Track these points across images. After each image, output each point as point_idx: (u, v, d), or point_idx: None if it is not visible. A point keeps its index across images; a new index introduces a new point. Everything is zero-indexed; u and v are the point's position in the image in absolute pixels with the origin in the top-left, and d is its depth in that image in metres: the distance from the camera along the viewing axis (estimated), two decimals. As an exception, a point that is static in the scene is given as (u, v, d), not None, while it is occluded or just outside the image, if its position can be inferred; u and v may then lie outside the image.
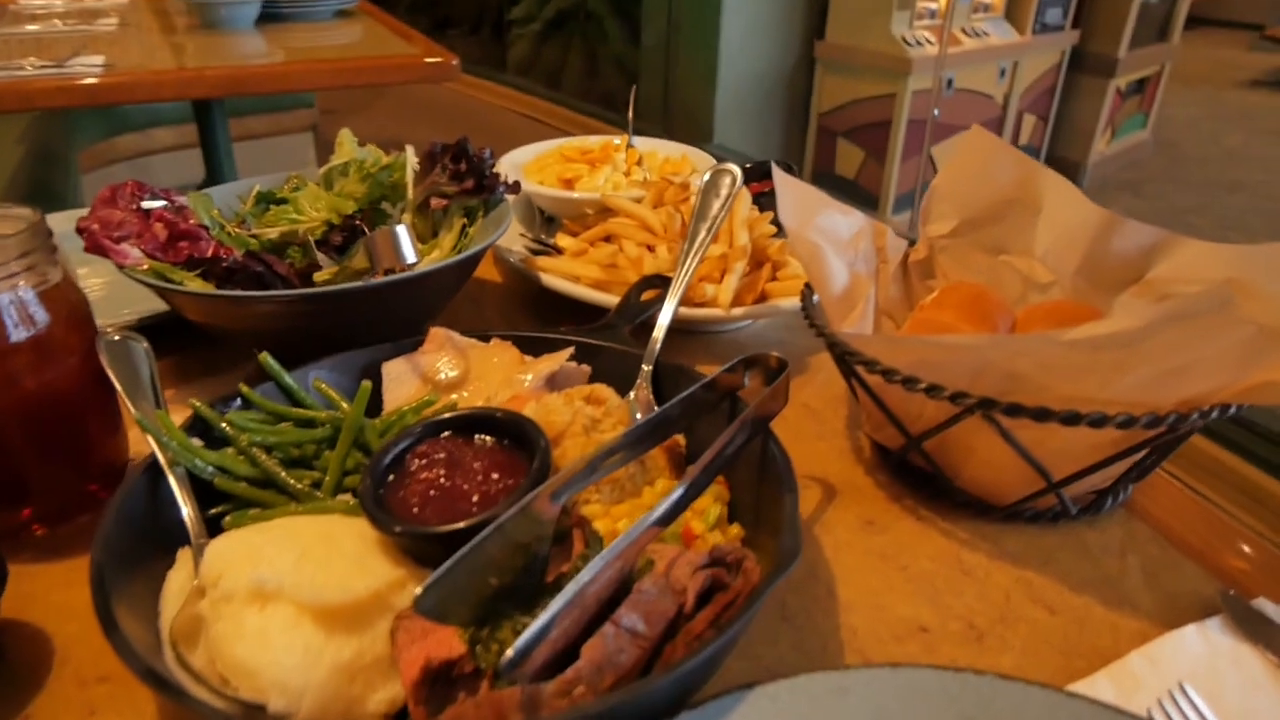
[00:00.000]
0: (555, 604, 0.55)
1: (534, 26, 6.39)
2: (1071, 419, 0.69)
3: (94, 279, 1.19)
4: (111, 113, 4.14)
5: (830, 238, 0.92)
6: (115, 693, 0.64)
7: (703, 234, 0.96)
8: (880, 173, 4.78)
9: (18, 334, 0.72)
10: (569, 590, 0.56)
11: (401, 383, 0.85)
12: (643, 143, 1.45)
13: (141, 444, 0.86)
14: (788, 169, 1.28)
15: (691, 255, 0.95)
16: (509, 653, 0.52)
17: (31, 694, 0.64)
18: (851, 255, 0.94)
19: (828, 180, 5.04)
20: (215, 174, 3.33)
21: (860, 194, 4.89)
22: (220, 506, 0.74)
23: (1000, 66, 5.08)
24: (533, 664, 0.54)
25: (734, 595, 0.61)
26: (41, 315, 0.73)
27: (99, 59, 2.35)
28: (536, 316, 1.21)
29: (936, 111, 4.30)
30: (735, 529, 0.74)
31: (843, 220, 0.95)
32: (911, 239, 1.03)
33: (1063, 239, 0.96)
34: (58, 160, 3.67)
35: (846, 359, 0.79)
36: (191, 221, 0.99)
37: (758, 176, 1.30)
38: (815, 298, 0.88)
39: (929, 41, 4.57)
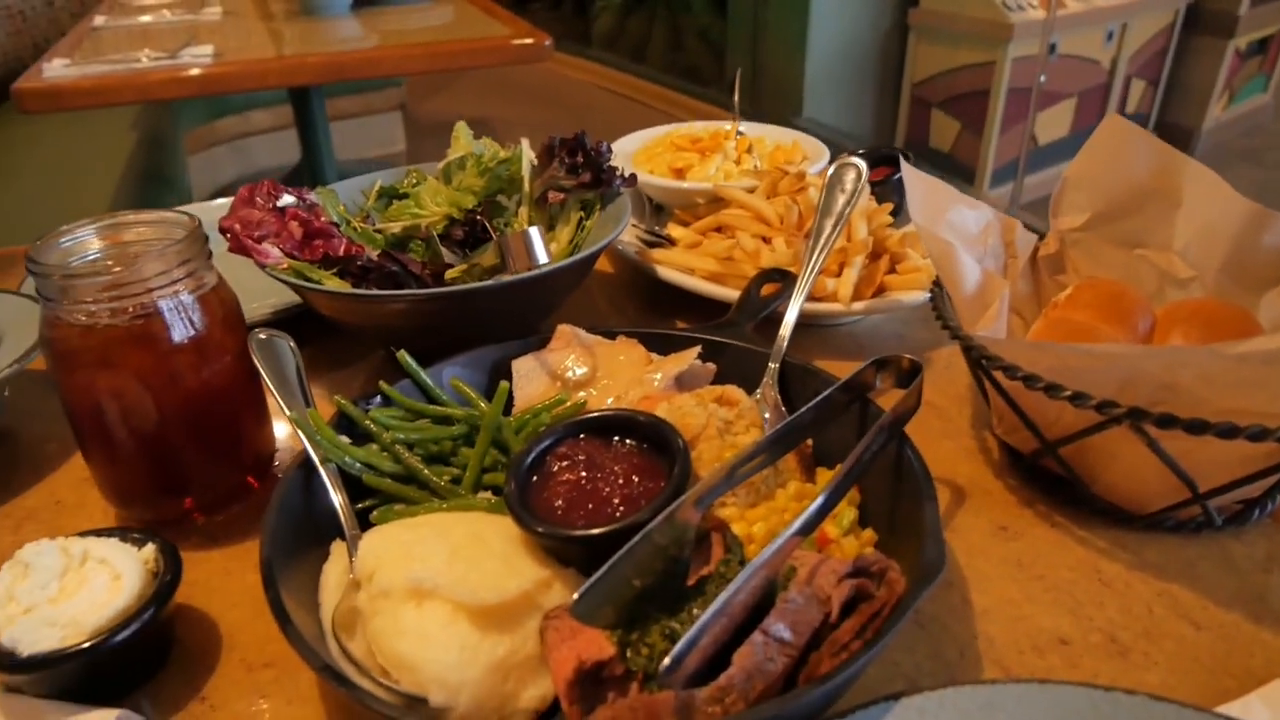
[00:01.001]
0: (707, 613, 0.56)
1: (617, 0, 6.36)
2: (1229, 432, 0.66)
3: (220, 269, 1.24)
4: (213, 98, 4.29)
5: (960, 233, 0.90)
6: (280, 678, 0.68)
7: (829, 230, 0.95)
8: (977, 145, 4.63)
9: (180, 335, 0.75)
10: (720, 599, 0.57)
11: (531, 380, 0.87)
12: (751, 129, 1.43)
13: (285, 435, 0.90)
14: (904, 156, 1.26)
15: (818, 253, 0.94)
16: (667, 660, 0.53)
17: (205, 677, 0.69)
18: (980, 251, 0.92)
19: (922, 153, 4.90)
20: (312, 154, 3.42)
21: (956, 167, 4.74)
22: (366, 501, 0.77)
23: (1108, 29, 4.80)
24: (686, 670, 0.55)
25: (879, 606, 0.61)
26: (200, 318, 0.77)
27: (208, 49, 2.43)
28: (648, 308, 1.21)
29: (1043, 78, 4.13)
30: (868, 533, 0.74)
31: (971, 215, 0.93)
32: (1040, 231, 1.00)
33: (1205, 233, 0.92)
34: (166, 145, 3.82)
35: (983, 363, 0.77)
36: (323, 219, 1.02)
37: (872, 164, 1.27)
38: (945, 295, 0.87)
39: (1030, 5, 4.37)
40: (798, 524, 0.63)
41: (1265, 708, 0.64)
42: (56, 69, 2.22)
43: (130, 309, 0.73)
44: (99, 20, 2.91)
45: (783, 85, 4.72)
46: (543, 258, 0.84)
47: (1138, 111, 5.37)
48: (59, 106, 2.16)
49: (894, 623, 0.58)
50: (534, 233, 0.84)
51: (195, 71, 2.27)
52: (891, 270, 1.10)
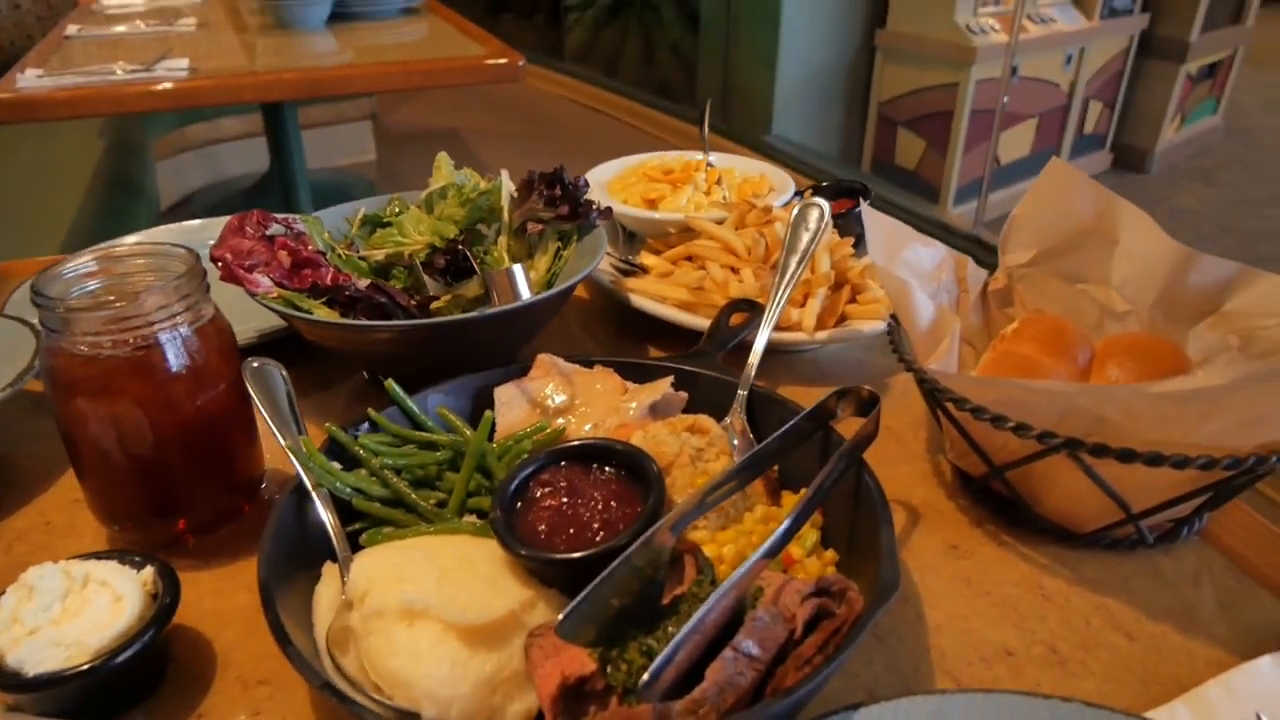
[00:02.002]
0: (682, 631, 0.61)
1: (590, 12, 6.41)
2: (1155, 460, 0.73)
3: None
4: (183, 105, 4.27)
5: (915, 271, 0.96)
6: (275, 694, 0.72)
7: (794, 266, 1.01)
8: (941, 164, 4.75)
9: (178, 365, 0.79)
10: (694, 618, 0.62)
11: (512, 407, 0.91)
12: (720, 159, 1.49)
13: (273, 459, 0.94)
14: (862, 192, 1.32)
15: (784, 287, 1.00)
16: (646, 675, 0.58)
17: (201, 695, 0.72)
18: (934, 287, 0.98)
19: (888, 171, 5.00)
20: (283, 162, 3.43)
21: (920, 185, 4.85)
22: (356, 524, 0.81)
23: (1066, 53, 4.98)
24: (663, 685, 0.60)
25: (840, 623, 0.66)
26: (196, 348, 0.80)
27: (183, 62, 2.44)
28: (621, 334, 1.26)
29: (1005, 99, 4.26)
30: (830, 554, 0.79)
31: (926, 252, 0.99)
32: (991, 267, 1.07)
33: (1140, 270, 0.99)
34: (135, 151, 3.81)
35: (936, 395, 0.83)
36: (310, 248, 1.06)
37: (833, 195, 1.34)
38: (901, 330, 0.92)
39: (993, 29, 4.51)
40: (765, 547, 0.68)
41: (1189, 713, 0.71)
42: (30, 80, 2.22)
43: (131, 341, 0.76)
44: (71, 30, 2.90)
45: (753, 103, 4.80)
46: (526, 294, 0.88)
47: (1095, 132, 5.54)
48: (33, 117, 2.17)
49: (853, 638, 0.63)
50: (518, 270, 0.88)
51: (171, 85, 2.29)
52: (853, 300, 1.16)
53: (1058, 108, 5.19)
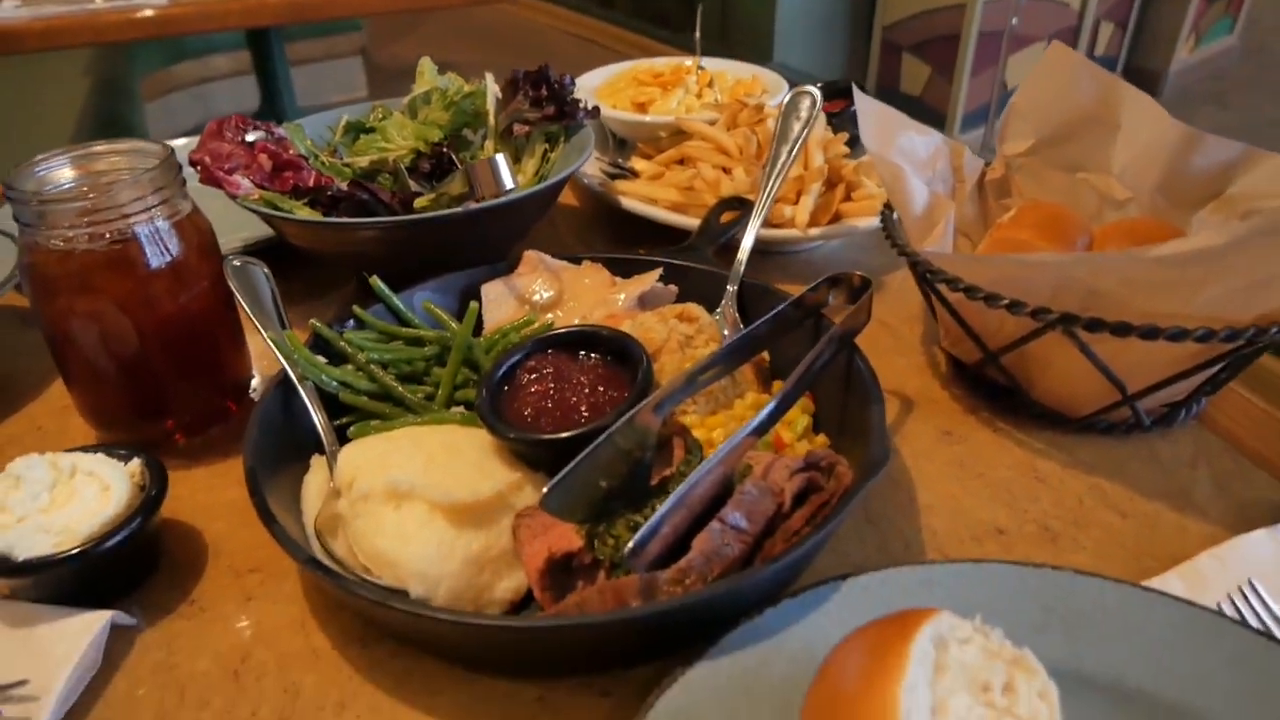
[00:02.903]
0: (667, 503, 0.61)
1: (586, -59, 6.23)
2: (1151, 333, 0.71)
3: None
4: (170, 41, 4.19)
5: (910, 158, 0.94)
6: (265, 581, 0.72)
7: (784, 156, 0.98)
8: (948, 89, 4.63)
9: (156, 261, 0.78)
10: (679, 490, 0.61)
11: (500, 304, 0.90)
12: (712, 64, 1.45)
13: (262, 361, 0.93)
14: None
15: (773, 178, 0.98)
16: (629, 544, 0.58)
17: (194, 582, 0.72)
18: (929, 175, 0.96)
19: (893, 97, 4.87)
20: (272, 99, 3.37)
21: (926, 111, 4.74)
22: (344, 418, 0.80)
23: (1078, -30, 4.84)
24: (648, 555, 0.60)
25: (828, 496, 0.66)
26: (175, 244, 0.79)
27: (164, -12, 2.38)
28: (614, 239, 1.25)
29: (1015, 20, 4.15)
30: (821, 438, 0.78)
31: (920, 140, 0.97)
32: (988, 159, 1.04)
33: (1141, 155, 0.97)
34: (122, 90, 3.75)
35: (928, 277, 0.82)
36: (291, 152, 1.04)
37: (829, 96, 1.30)
38: (895, 217, 0.91)
39: (1002, -53, 4.36)
40: (753, 424, 0.67)
41: (1181, 582, 0.70)
42: (7, 10, 2.17)
43: (107, 234, 0.75)
44: (48, -39, 2.83)
45: (753, 29, 4.68)
46: (509, 183, 0.86)
47: (1106, 54, 5.39)
48: (11, 49, 2.12)
49: (841, 510, 0.63)
50: (500, 159, 0.86)
51: (150, 13, 2.23)
52: (847, 198, 1.14)
53: (1068, 29, 5.02)
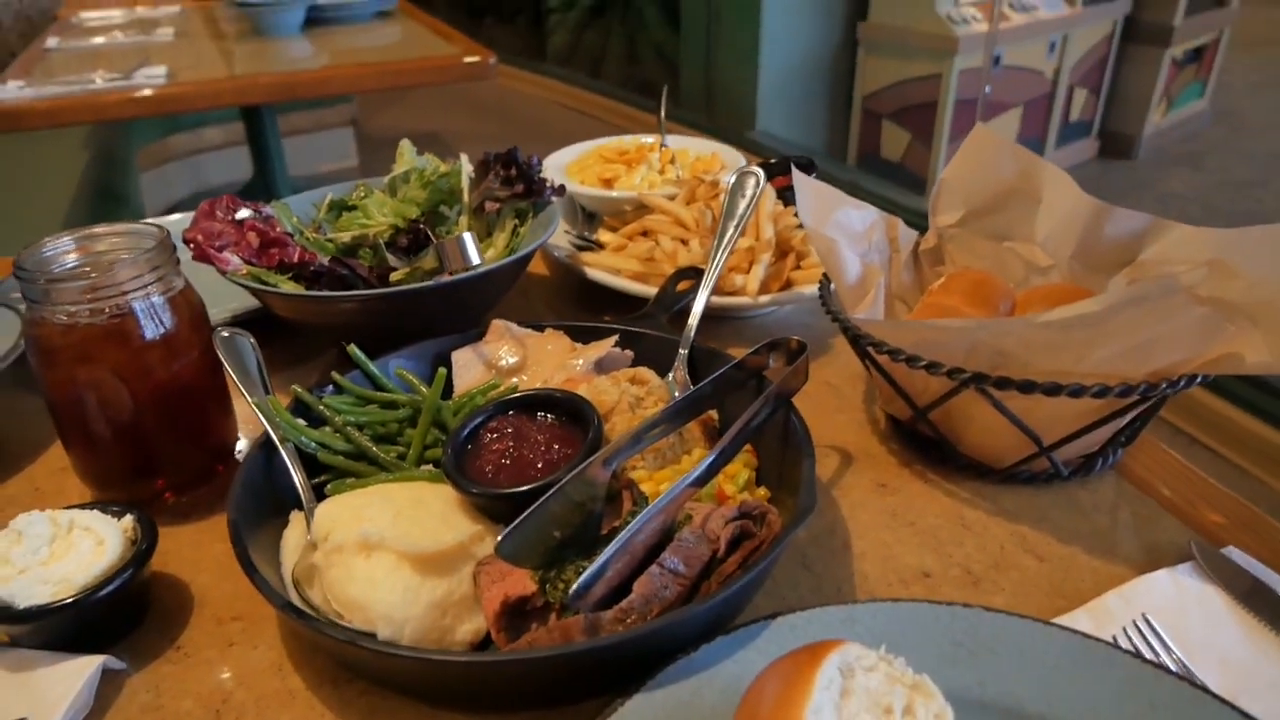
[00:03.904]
0: (610, 548, 0.67)
1: (573, 14, 6.46)
2: (1052, 390, 0.79)
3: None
4: (166, 115, 4.33)
5: (846, 231, 1.02)
6: (247, 628, 0.78)
7: (731, 231, 1.07)
8: (927, 155, 4.76)
9: (151, 333, 0.85)
10: (621, 537, 0.68)
11: (469, 369, 0.97)
12: (675, 140, 1.55)
13: (247, 425, 1.00)
14: (808, 166, 1.39)
15: (721, 250, 1.06)
16: (574, 586, 0.64)
17: (180, 630, 0.78)
18: (865, 246, 1.05)
19: (873, 163, 5.01)
20: (265, 170, 3.49)
21: (907, 176, 4.86)
22: (321, 477, 0.87)
23: (1050, 40, 4.94)
24: (592, 597, 0.66)
25: (759, 542, 0.72)
26: (169, 317, 0.86)
27: (161, 69, 2.50)
28: (581, 306, 1.33)
29: (989, 89, 4.30)
30: (762, 491, 0.85)
31: (857, 215, 1.06)
32: (922, 228, 1.13)
33: (1060, 226, 1.05)
34: (119, 162, 3.86)
35: (859, 340, 0.90)
36: (278, 229, 1.12)
37: (783, 171, 1.40)
38: (831, 287, 0.99)
39: (975, 19, 4.51)
40: (691, 476, 0.74)
41: (1088, 618, 0.77)
42: (12, 91, 2.28)
43: (107, 309, 0.82)
44: (52, 42, 2.96)
45: (736, 99, 4.83)
46: (475, 259, 0.95)
47: (1080, 119, 5.52)
48: (16, 127, 2.22)
49: (769, 554, 0.69)
50: (467, 238, 0.94)
51: (149, 92, 2.35)
52: (797, 267, 1.23)
53: (1042, 95, 5.18)
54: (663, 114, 1.54)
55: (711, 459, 0.76)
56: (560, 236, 1.35)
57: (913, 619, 0.70)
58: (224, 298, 1.18)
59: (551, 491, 0.71)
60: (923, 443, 0.98)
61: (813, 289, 1.18)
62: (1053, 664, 0.67)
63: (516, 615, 0.71)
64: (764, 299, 1.15)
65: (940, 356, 0.83)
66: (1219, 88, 6.26)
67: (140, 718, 0.70)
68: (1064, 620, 0.77)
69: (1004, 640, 0.69)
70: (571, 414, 0.84)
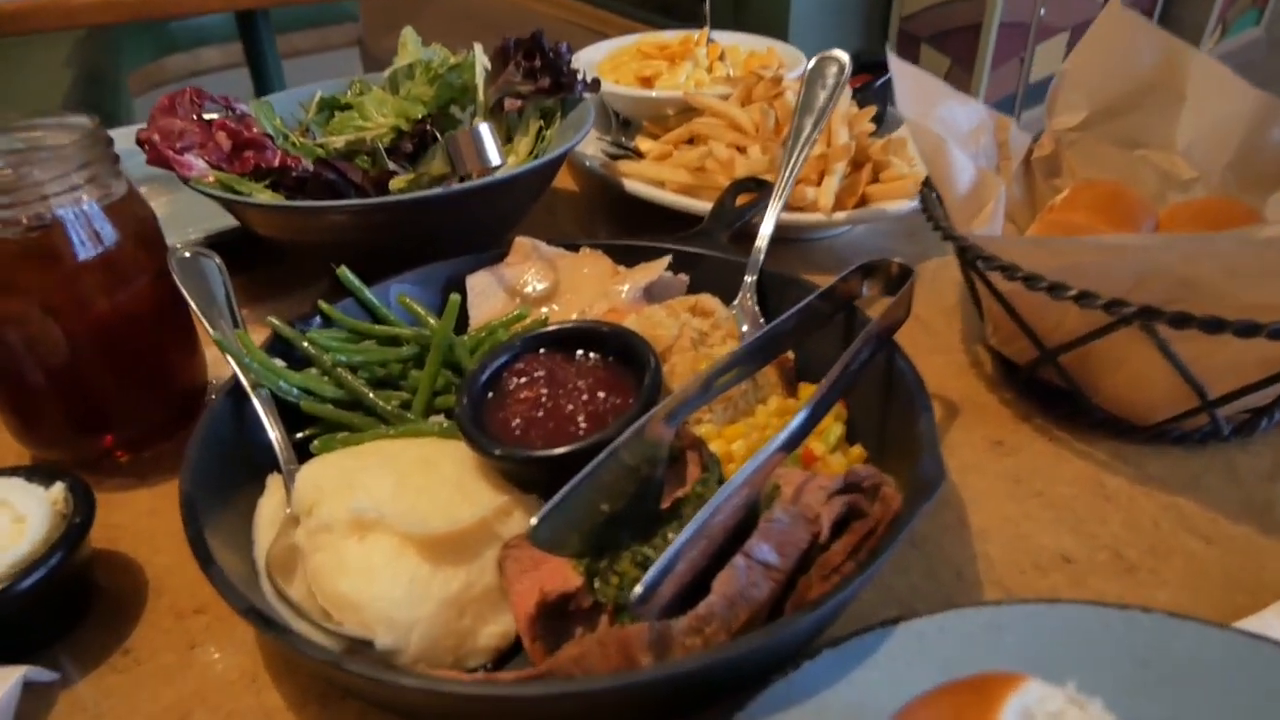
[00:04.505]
0: (682, 535, 0.50)
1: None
2: (1248, 330, 0.60)
3: (155, 199, 1.15)
4: (159, 33, 4.07)
5: (951, 130, 0.83)
6: (213, 625, 0.62)
7: (808, 129, 0.87)
8: (968, 81, 4.50)
9: (86, 251, 0.67)
10: (696, 519, 0.51)
11: (487, 297, 0.79)
12: (723, 37, 1.34)
13: (220, 368, 0.82)
14: (884, 65, 1.18)
15: (797, 153, 0.87)
16: (638, 588, 0.47)
17: (129, 627, 0.62)
18: (972, 150, 0.85)
19: (912, 91, 4.76)
20: (265, 92, 3.26)
21: (946, 105, 4.62)
22: (307, 430, 0.70)
23: (1103, -38, 4.69)
24: (660, 600, 0.49)
25: (873, 524, 0.55)
26: (109, 231, 0.68)
27: (142, -30, 2.27)
28: (616, 226, 1.14)
29: (1043, 11, 4.06)
30: (857, 450, 0.68)
31: (962, 111, 0.86)
32: (1036, 133, 0.94)
33: (1212, 129, 0.86)
34: (107, 83, 3.63)
35: (979, 264, 0.71)
36: (255, 130, 0.93)
37: (854, 69, 1.19)
38: (935, 196, 0.80)
39: (1025, -65, 4.23)
40: (781, 437, 0.56)
41: (1283, 622, 0.60)
42: (-25, -6, 2.06)
43: (24, 220, 0.64)
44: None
45: (767, 18, 4.55)
46: (495, 158, 0.76)
47: (1133, 45, 5.24)
48: (-21, 34, 2.02)
49: (890, 541, 0.52)
50: (484, 129, 0.75)
51: (129, -5, 2.13)
52: (874, 180, 1.03)
53: (1092, 20, 4.89)
54: (708, 4, 1.33)
55: (807, 412, 0.58)
56: (590, 144, 1.16)
57: (1077, 628, 0.53)
58: (200, 218, 1.00)
59: (601, 456, 0.54)
60: (1045, 392, 0.80)
61: (896, 205, 0.99)
62: (1270, 693, 0.50)
63: (556, 617, 0.55)
64: (839, 216, 0.96)
65: (1095, 285, 0.65)
66: (1275, 16, 5.91)
67: (73, 745, 0.54)
68: (1252, 624, 0.60)
69: (1204, 660, 0.52)
70: (621, 353, 0.66)
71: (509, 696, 0.45)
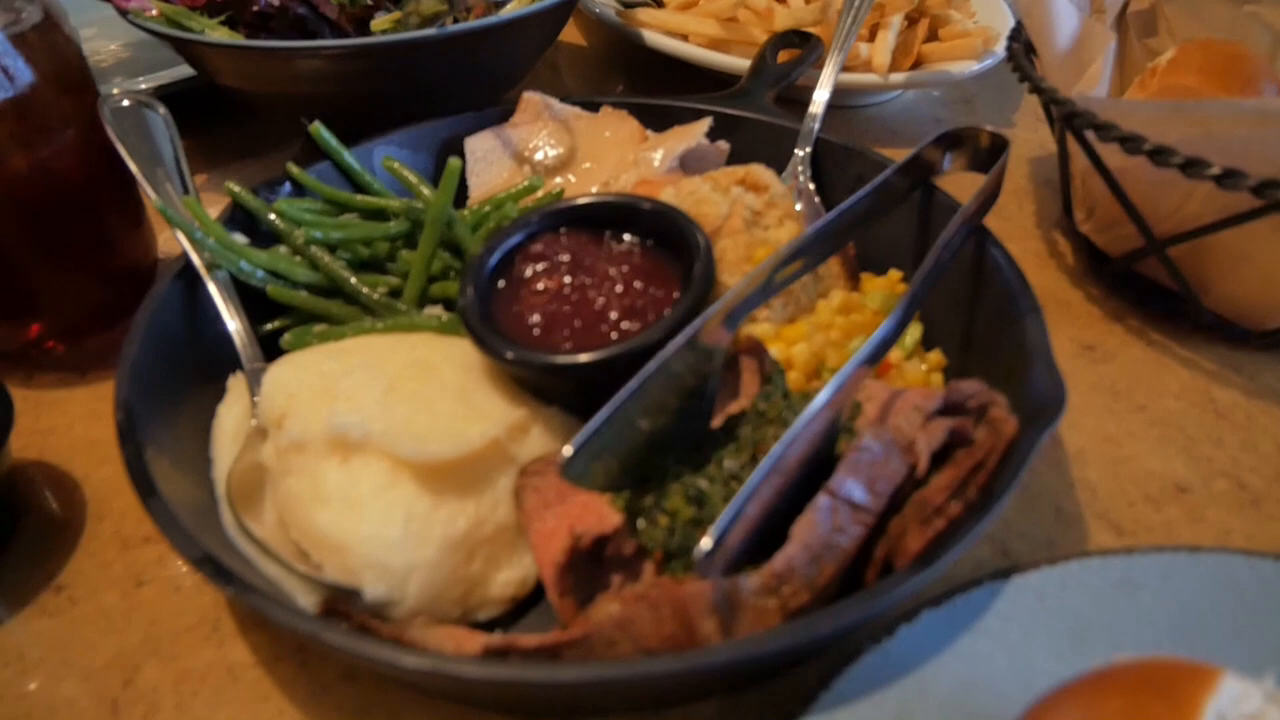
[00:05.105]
0: (757, 471, 0.39)
1: None
2: None
3: (103, 43, 0.99)
4: None
5: (1047, -28, 0.69)
6: (166, 557, 0.51)
7: (876, -33, 0.73)
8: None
9: (-9, 92, 0.53)
10: (772, 454, 0.40)
11: (490, 164, 0.66)
12: None
13: (172, 245, 0.69)
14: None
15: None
16: (705, 540, 0.37)
17: (63, 558, 0.51)
18: None
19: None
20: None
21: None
22: (275, 322, 0.58)
23: None
24: (727, 553, 0.39)
25: (982, 455, 0.44)
26: (20, 68, 0.55)
27: None
28: (632, 87, 0.99)
29: None
30: (935, 355, 0.57)
31: (1057, -49, 0.72)
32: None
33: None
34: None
35: (1087, 131, 0.59)
36: (208, -43, 0.77)
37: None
38: (1026, 48, 0.67)
39: None
40: (868, 348, 0.45)
41: None
42: None
43: (-95, 48, 0.50)
44: None
45: None
46: (501, -11, 0.61)
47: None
48: None
49: (1009, 480, 0.42)
50: (487, -46, 0.61)
51: None
52: (932, 37, 0.89)
53: None
54: None
55: (898, 316, 0.47)
56: (601, -9, 1.00)
57: (1227, 582, 0.44)
58: (155, 67, 0.85)
59: (648, 368, 0.43)
60: (1137, 288, 0.69)
61: (960, 67, 0.85)
62: None
63: (589, 564, 0.44)
64: (897, 78, 0.83)
65: (1239, 162, 0.52)
66: None
67: (-6, 704, 0.45)
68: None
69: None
70: (661, 234, 0.54)
71: (535, 682, 0.35)
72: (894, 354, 0.56)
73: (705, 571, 0.38)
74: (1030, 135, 0.88)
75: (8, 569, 0.50)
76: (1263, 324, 0.64)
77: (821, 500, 0.42)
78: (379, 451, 0.45)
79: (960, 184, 0.60)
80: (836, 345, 0.55)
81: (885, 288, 0.60)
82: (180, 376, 0.52)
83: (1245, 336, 0.65)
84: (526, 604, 0.47)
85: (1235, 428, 0.60)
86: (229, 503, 0.47)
